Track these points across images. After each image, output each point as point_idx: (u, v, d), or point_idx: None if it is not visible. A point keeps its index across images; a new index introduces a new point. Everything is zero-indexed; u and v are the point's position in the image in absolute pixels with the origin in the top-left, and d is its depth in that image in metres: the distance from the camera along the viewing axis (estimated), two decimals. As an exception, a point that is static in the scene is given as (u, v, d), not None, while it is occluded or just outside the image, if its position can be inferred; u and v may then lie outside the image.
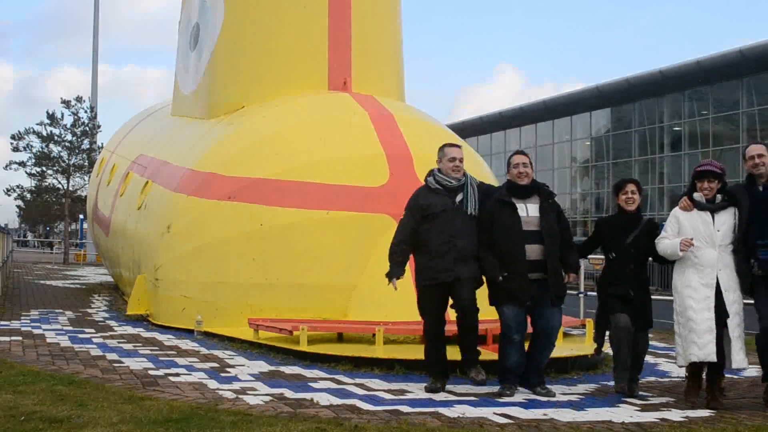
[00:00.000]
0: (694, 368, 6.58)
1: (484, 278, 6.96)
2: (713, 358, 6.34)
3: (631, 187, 6.99)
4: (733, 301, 6.43)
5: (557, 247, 6.82)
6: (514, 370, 6.86)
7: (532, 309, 6.86)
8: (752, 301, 6.56)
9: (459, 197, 6.95)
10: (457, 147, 7.22)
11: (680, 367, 6.75)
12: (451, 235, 6.81)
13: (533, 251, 6.75)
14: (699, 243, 6.48)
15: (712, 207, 6.56)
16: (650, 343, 10.38)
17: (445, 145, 7.25)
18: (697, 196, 6.63)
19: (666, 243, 6.63)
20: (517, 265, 6.70)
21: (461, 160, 7.07)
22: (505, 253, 6.74)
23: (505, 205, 6.84)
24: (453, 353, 7.10)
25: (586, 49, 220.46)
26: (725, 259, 6.48)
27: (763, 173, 6.53)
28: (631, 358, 6.86)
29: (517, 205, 6.83)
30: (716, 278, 6.41)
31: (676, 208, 6.74)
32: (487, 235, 6.83)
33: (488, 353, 7.68)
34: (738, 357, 6.41)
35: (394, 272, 7.02)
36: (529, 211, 6.84)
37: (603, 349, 7.47)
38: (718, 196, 6.60)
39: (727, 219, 6.53)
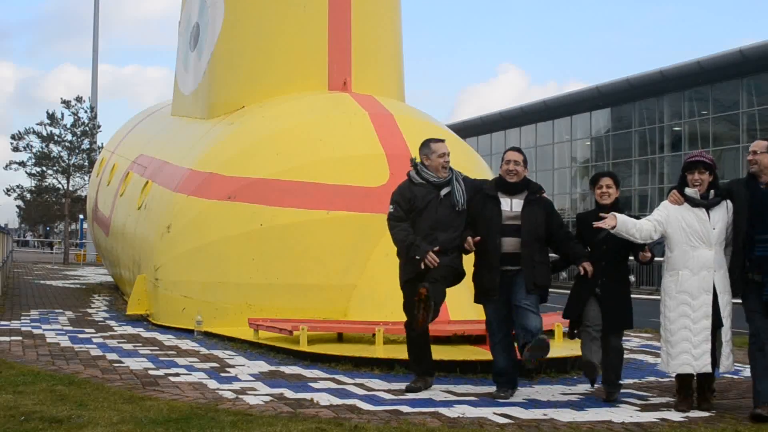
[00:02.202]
0: (683, 378, 6.36)
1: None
2: (708, 369, 6.16)
3: (606, 181, 6.73)
4: (726, 303, 6.19)
5: (536, 238, 6.63)
6: (503, 373, 6.76)
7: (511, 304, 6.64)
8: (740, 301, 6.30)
9: (444, 191, 6.82)
10: (442, 141, 7.05)
11: (670, 373, 6.46)
12: (433, 227, 6.70)
13: (511, 244, 6.60)
14: (694, 242, 6.20)
15: (706, 203, 6.24)
16: (649, 342, 10.47)
17: (430, 141, 7.03)
18: (690, 191, 6.29)
19: (642, 221, 6.28)
20: (488, 259, 6.62)
21: (449, 155, 6.94)
22: (480, 245, 6.65)
23: (490, 199, 6.75)
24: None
25: (587, 49, 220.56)
26: (720, 259, 6.20)
27: (756, 171, 6.17)
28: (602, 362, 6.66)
29: (502, 200, 6.72)
30: (713, 280, 6.14)
31: (666, 201, 6.42)
32: (469, 230, 6.72)
33: (488, 353, 7.66)
34: (726, 362, 6.23)
35: (424, 247, 6.62)
36: (513, 206, 6.70)
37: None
38: (711, 192, 6.28)
39: (721, 216, 6.22)
